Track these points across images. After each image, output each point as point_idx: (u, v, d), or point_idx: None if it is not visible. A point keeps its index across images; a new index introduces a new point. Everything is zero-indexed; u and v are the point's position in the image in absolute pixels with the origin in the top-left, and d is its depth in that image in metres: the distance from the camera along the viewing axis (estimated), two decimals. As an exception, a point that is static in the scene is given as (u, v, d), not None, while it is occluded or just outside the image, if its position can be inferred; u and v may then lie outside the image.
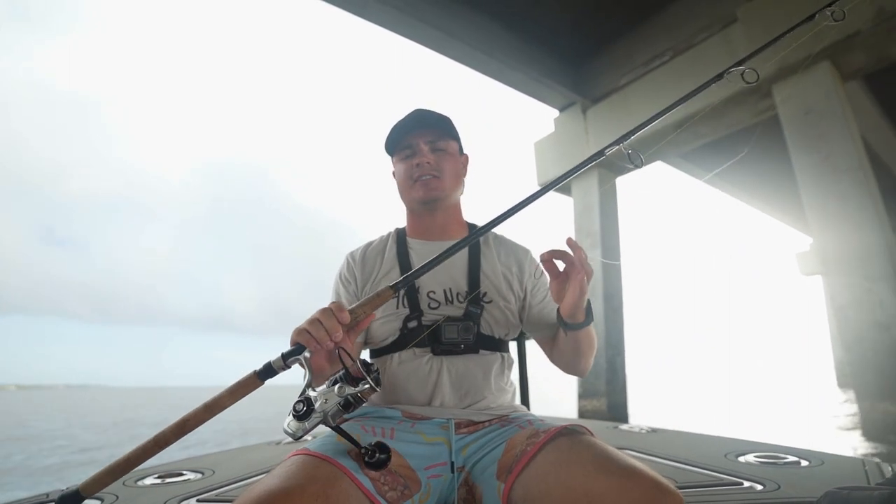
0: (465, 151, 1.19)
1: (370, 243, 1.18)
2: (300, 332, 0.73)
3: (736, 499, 1.05)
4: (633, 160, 0.79)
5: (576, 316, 0.91)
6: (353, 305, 0.75)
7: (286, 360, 0.71)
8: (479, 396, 1.02)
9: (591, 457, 0.74)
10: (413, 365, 1.01)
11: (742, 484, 1.15)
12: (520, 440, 0.87)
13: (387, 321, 1.03)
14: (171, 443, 0.67)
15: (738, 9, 7.57)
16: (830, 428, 6.81)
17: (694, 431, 1.87)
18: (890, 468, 1.22)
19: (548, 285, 1.04)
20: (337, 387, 0.63)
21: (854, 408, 6.02)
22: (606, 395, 9.14)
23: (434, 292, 1.05)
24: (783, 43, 0.87)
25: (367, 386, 0.64)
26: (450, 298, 1.04)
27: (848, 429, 6.41)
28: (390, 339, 1.03)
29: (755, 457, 1.40)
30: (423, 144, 1.09)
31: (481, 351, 1.03)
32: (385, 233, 1.21)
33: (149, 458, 0.67)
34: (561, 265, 0.86)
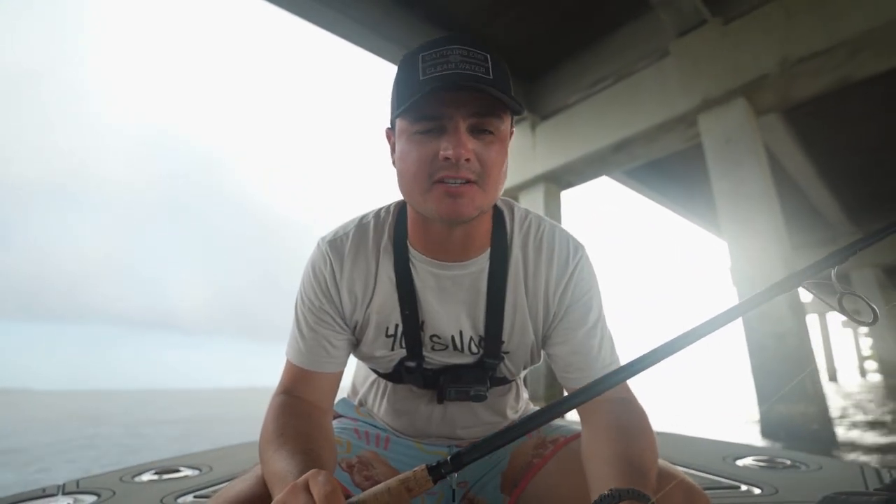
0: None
1: (357, 240, 0.79)
2: None
3: (734, 502, 1.03)
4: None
5: None
6: None
7: None
8: (485, 431, 0.90)
9: None
10: (410, 404, 0.87)
11: (740, 487, 1.14)
12: (525, 450, 0.80)
13: (381, 358, 0.82)
14: None
15: (670, 43, 8.27)
16: (743, 424, 7.58)
17: (693, 435, 1.87)
18: (889, 474, 1.22)
19: (585, 319, 0.78)
20: None
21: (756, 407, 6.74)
22: (545, 399, 9.63)
23: (438, 337, 0.79)
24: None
25: None
26: (458, 346, 0.80)
27: (754, 424, 7.16)
28: (384, 372, 0.87)
29: (753, 460, 1.40)
30: (462, 121, 0.66)
31: (492, 388, 0.85)
32: (373, 215, 0.83)
33: None
34: None
